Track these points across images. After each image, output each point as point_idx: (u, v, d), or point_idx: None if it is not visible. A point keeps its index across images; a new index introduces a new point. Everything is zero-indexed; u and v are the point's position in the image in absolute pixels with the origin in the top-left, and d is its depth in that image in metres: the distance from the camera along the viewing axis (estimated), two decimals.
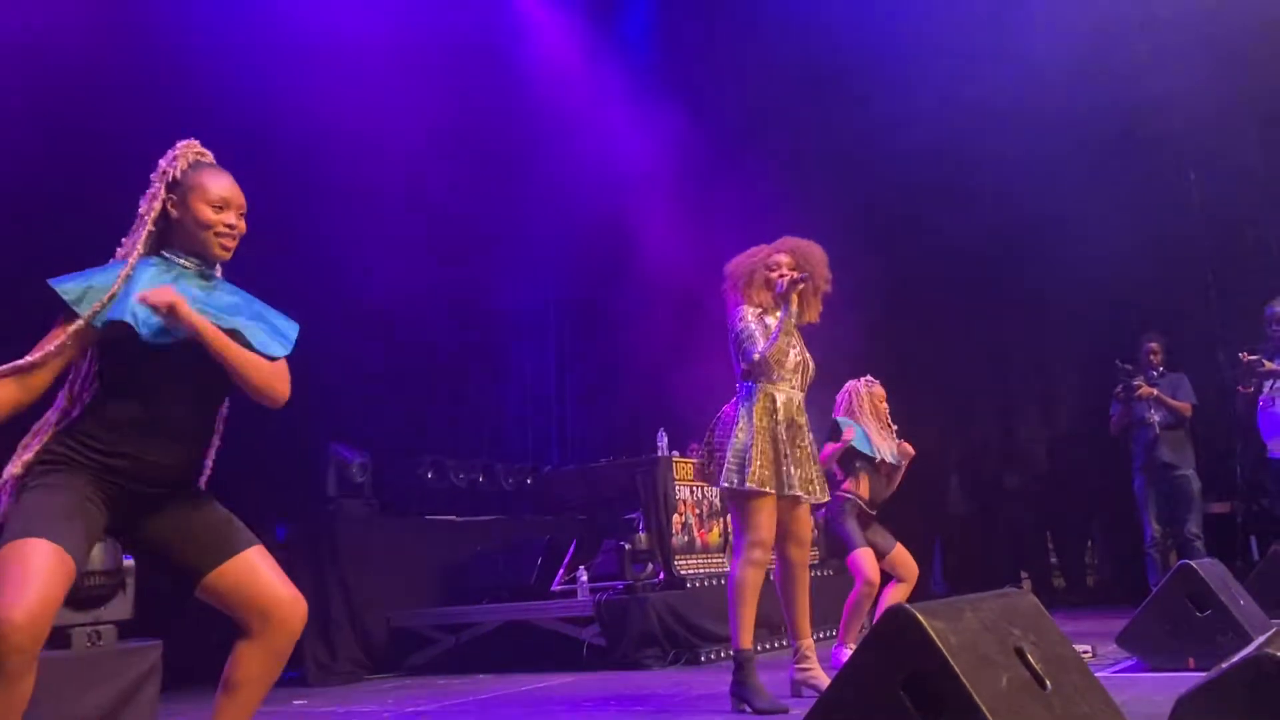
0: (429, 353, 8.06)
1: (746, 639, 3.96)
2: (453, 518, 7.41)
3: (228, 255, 2.53)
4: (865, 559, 5.07)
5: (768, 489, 3.96)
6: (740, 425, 4.04)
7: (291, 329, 2.61)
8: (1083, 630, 5.56)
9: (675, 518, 6.70)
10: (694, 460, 6.91)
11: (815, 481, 4.14)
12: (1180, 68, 7.02)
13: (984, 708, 1.84)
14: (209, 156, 2.58)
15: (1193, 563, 4.31)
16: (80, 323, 2.35)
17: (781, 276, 4.11)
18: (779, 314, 4.10)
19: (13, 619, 2.08)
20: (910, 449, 5.47)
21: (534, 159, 8.20)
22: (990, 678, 1.93)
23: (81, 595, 3.51)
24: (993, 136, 7.61)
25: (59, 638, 3.35)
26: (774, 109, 8.64)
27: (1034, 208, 7.95)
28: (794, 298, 4.09)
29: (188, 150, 2.55)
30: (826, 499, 4.29)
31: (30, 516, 2.25)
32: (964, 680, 1.86)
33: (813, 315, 4.29)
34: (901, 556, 5.29)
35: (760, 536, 3.97)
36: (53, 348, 2.36)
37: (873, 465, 5.34)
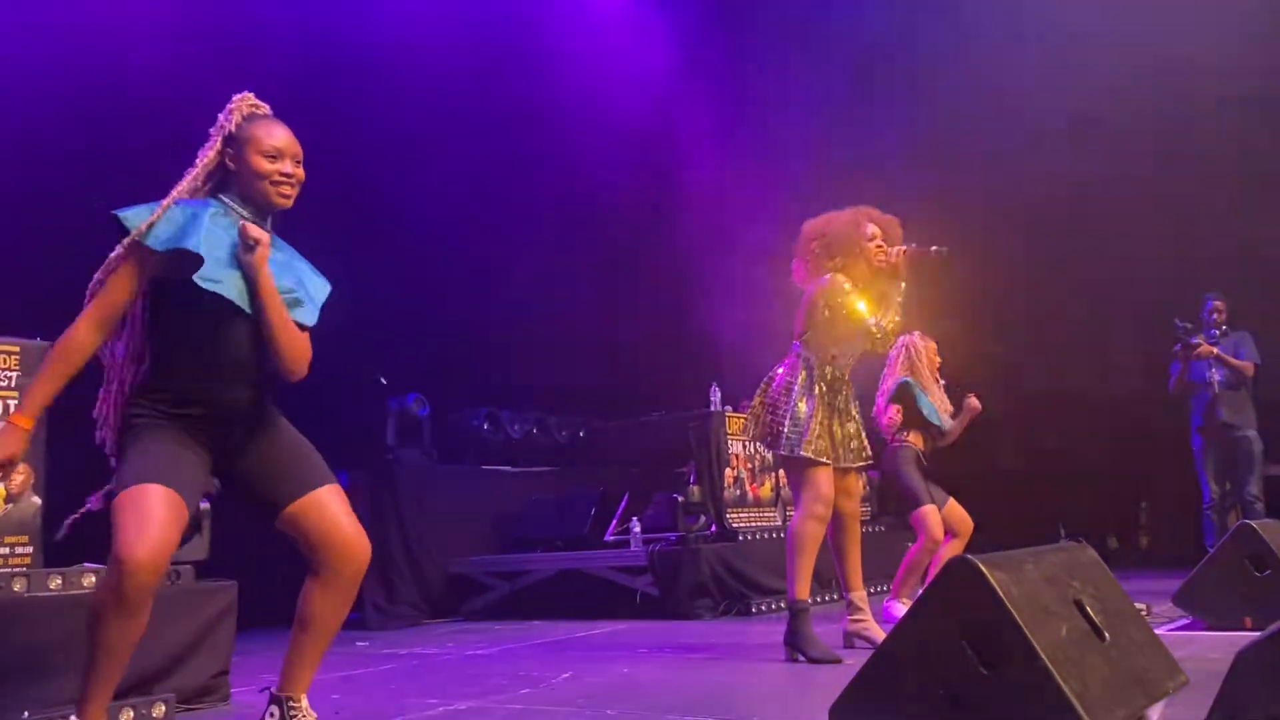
0: (486, 306, 8.16)
1: (803, 590, 4.02)
2: (508, 468, 7.55)
3: (288, 203, 2.56)
4: (930, 516, 5.07)
5: (824, 459, 4.05)
6: (799, 394, 4.10)
7: (322, 292, 2.67)
8: (1138, 590, 5.52)
9: (728, 472, 6.76)
10: (747, 416, 6.94)
11: (858, 441, 4.25)
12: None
13: (1044, 657, 1.88)
14: (265, 109, 2.61)
15: (1252, 523, 4.28)
16: (147, 250, 2.39)
17: (881, 249, 4.10)
18: (895, 286, 4.10)
19: (136, 556, 2.21)
20: (976, 404, 5.44)
21: (585, 111, 8.21)
22: (1050, 628, 1.97)
23: None
24: (1045, 91, 7.48)
25: None
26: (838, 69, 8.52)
27: (1097, 161, 7.81)
28: (868, 275, 4.10)
29: (242, 104, 2.58)
30: (868, 459, 4.33)
31: (138, 467, 2.36)
32: (1025, 630, 1.90)
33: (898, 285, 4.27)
34: (956, 511, 5.29)
35: (820, 493, 4.04)
36: (124, 278, 2.40)
37: (921, 416, 5.34)
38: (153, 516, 2.27)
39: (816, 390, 4.10)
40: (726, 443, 6.80)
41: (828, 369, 4.15)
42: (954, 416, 5.43)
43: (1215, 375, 6.75)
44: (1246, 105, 7.40)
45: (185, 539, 3.71)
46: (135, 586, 2.22)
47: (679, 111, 8.83)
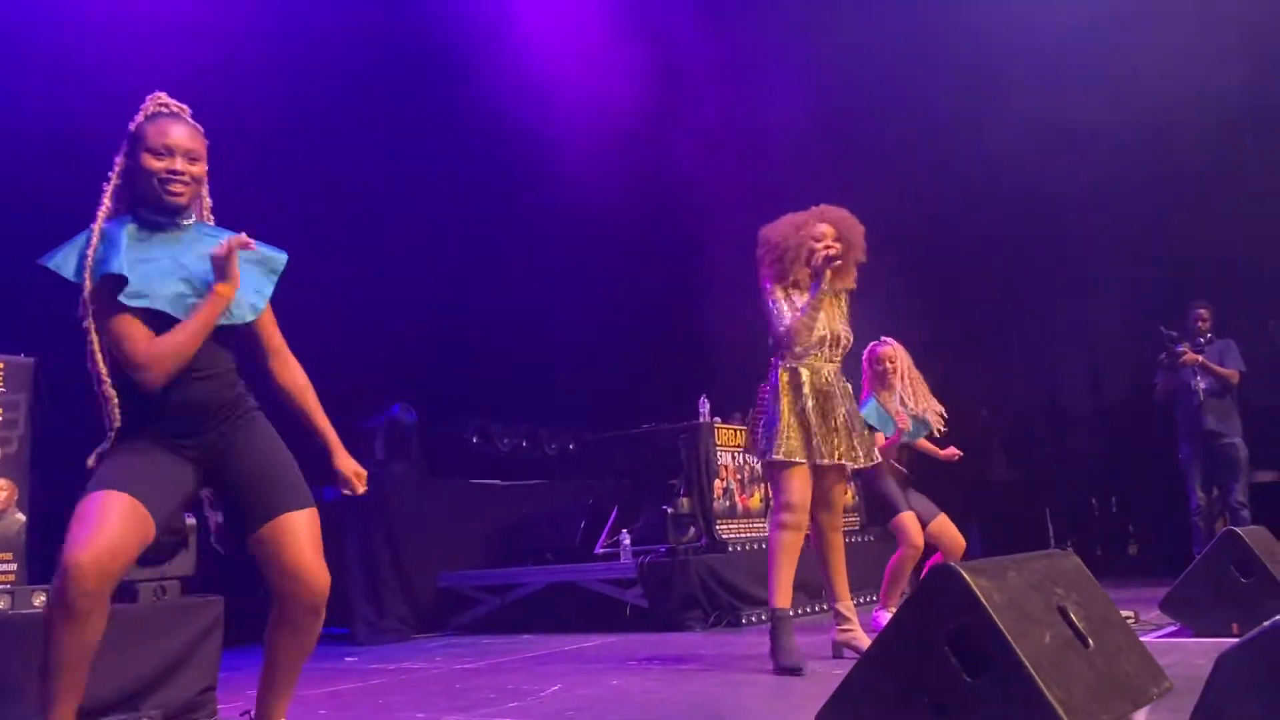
0: (473, 319, 8.16)
1: (779, 598, 4.03)
2: (497, 482, 7.54)
3: (180, 200, 2.48)
4: (909, 523, 5.05)
5: (796, 458, 4.03)
6: (769, 401, 4.14)
7: (264, 282, 2.58)
8: (1125, 597, 5.56)
9: (717, 483, 6.76)
10: (736, 427, 6.96)
11: (855, 449, 4.15)
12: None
13: (1028, 663, 1.89)
14: (173, 106, 2.56)
15: (1238, 529, 4.30)
16: (88, 287, 2.37)
17: (828, 249, 4.07)
18: (810, 289, 4.09)
19: (78, 560, 2.17)
20: (954, 455, 5.43)
21: (565, 122, 8.23)
22: (1034, 635, 1.98)
23: (147, 552, 3.63)
24: (1034, 98, 7.52)
25: (127, 592, 3.48)
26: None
27: (1081, 171, 7.85)
28: (827, 274, 4.06)
29: (151, 102, 2.55)
30: (870, 463, 4.27)
31: (102, 476, 2.34)
32: (1008, 636, 1.91)
33: (848, 283, 4.27)
34: (947, 529, 5.22)
35: (788, 499, 4.04)
36: (100, 322, 2.39)
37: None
38: (104, 521, 2.22)
39: (784, 398, 4.09)
40: (715, 454, 6.80)
41: (804, 371, 4.12)
42: (944, 419, 5.37)
43: (1201, 383, 6.78)
44: (1229, 117, 7.46)
45: (171, 553, 3.71)
46: (79, 592, 2.16)
47: (670, 121, 8.84)
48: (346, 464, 2.68)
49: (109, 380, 2.44)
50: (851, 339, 4.31)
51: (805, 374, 4.12)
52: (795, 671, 3.85)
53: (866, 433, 4.29)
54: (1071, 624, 2.10)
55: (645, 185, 8.62)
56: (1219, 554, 4.22)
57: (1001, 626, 1.92)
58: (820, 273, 4.04)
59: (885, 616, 5.05)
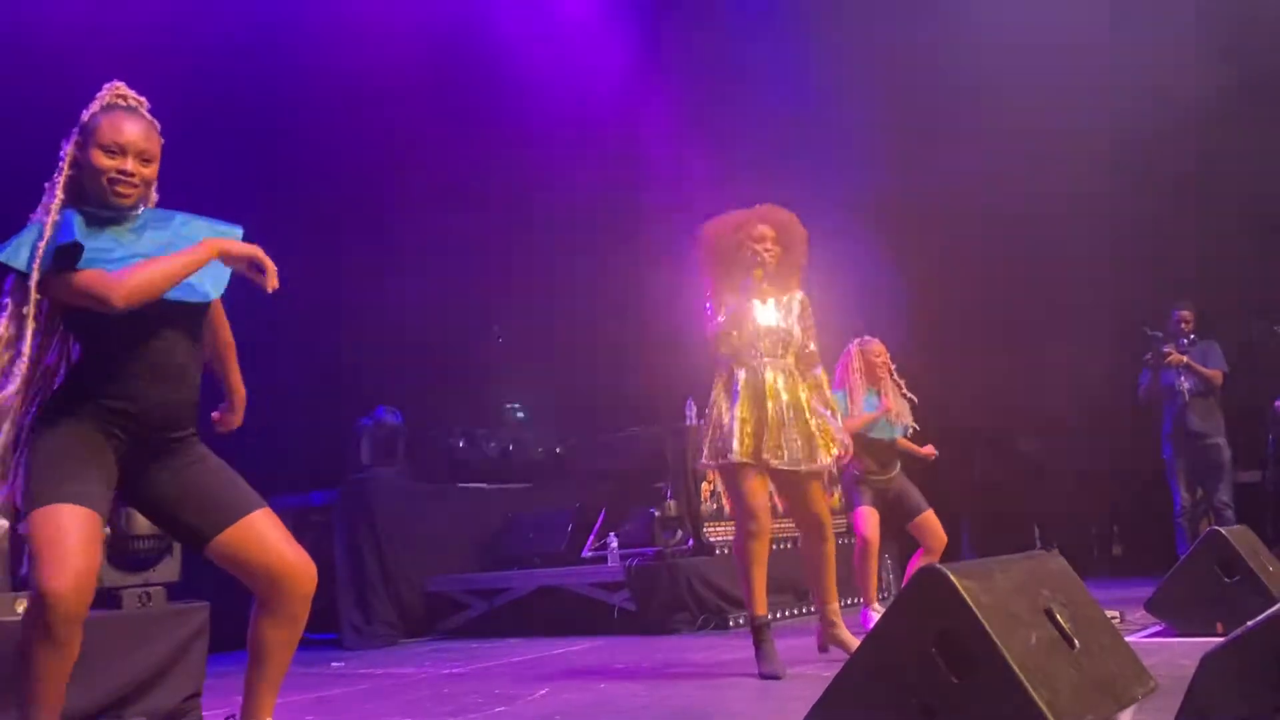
0: (461, 323, 8.15)
1: (756, 606, 3.98)
2: (484, 485, 7.52)
3: (127, 202, 2.37)
4: (862, 517, 5.24)
5: (746, 459, 3.92)
6: (719, 402, 4.07)
7: (235, 234, 2.51)
8: (1110, 598, 5.57)
9: (704, 486, 6.75)
10: None
11: (799, 448, 3.95)
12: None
13: (1014, 665, 1.90)
14: (131, 99, 2.44)
15: (1222, 529, 4.33)
16: (33, 280, 2.25)
17: (768, 250, 4.04)
18: (741, 291, 4.00)
19: (57, 590, 2.12)
20: (930, 454, 5.50)
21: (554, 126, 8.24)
22: (1020, 636, 1.98)
23: (131, 558, 3.62)
24: (1014, 106, 7.56)
25: (111, 599, 3.46)
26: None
27: (1064, 176, 7.89)
28: (758, 276, 4.00)
29: (107, 93, 2.42)
30: (817, 465, 4.01)
31: (48, 477, 2.25)
32: (995, 638, 1.92)
33: (790, 288, 4.16)
34: (931, 524, 5.31)
35: (744, 505, 3.96)
36: (22, 314, 2.27)
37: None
38: (73, 544, 2.16)
39: (720, 402, 4.03)
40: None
41: (741, 373, 4.01)
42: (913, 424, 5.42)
43: (1185, 383, 6.81)
44: (1210, 123, 7.50)
45: (156, 560, 3.70)
46: (62, 620, 2.13)
47: (648, 121, 8.84)
48: (236, 414, 2.71)
49: (34, 359, 2.32)
50: (803, 338, 4.13)
51: (743, 375, 4.02)
52: (773, 676, 3.85)
53: (823, 433, 4.05)
54: (1058, 625, 2.10)
55: (634, 189, 8.63)
56: (1203, 554, 4.24)
57: (988, 628, 1.93)
58: (751, 290, 3.98)
59: (872, 613, 5.11)
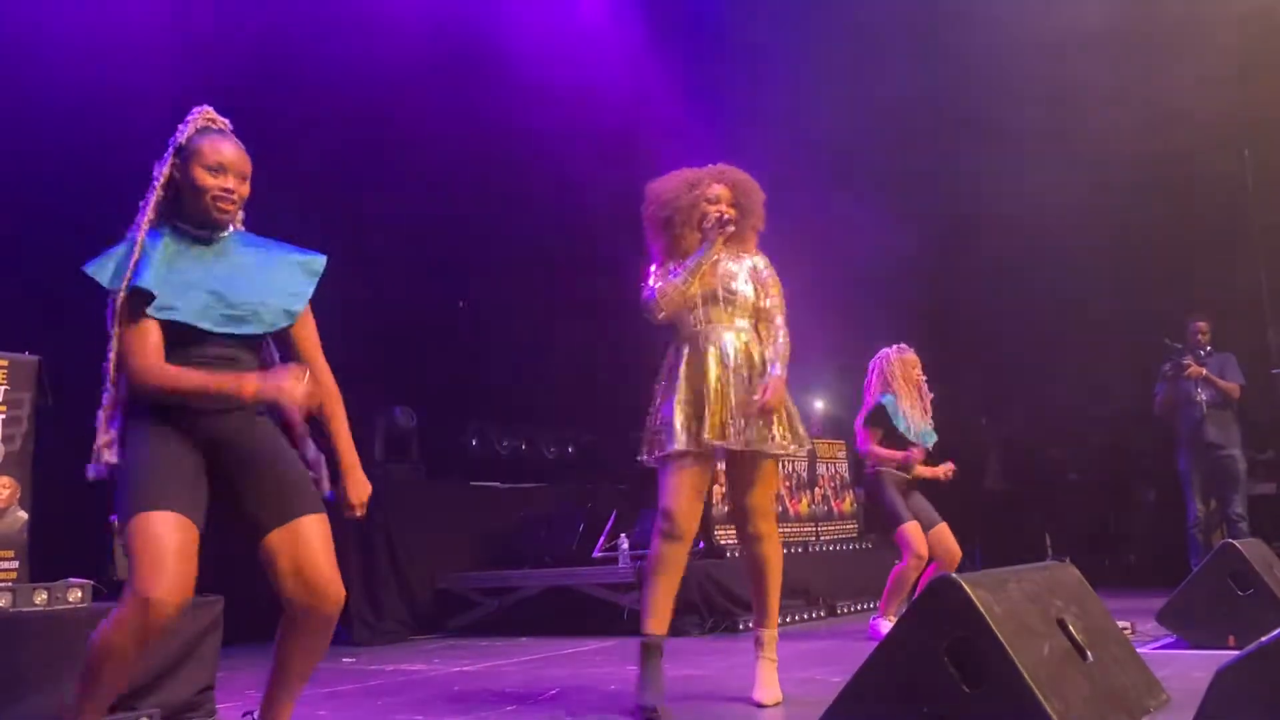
0: (476, 322, 8.18)
1: (649, 621, 3.38)
2: (496, 484, 7.54)
3: (227, 219, 2.51)
4: (913, 533, 5.07)
5: (678, 445, 3.35)
6: (661, 391, 3.54)
7: (317, 264, 2.60)
8: (1122, 608, 5.54)
9: (716, 488, 6.75)
10: None
11: (750, 424, 3.38)
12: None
13: (1026, 675, 1.90)
14: (220, 122, 2.59)
15: (1236, 542, 4.31)
16: (120, 296, 2.37)
17: (720, 213, 3.52)
18: (696, 253, 3.51)
19: (159, 598, 2.17)
20: (949, 472, 5.40)
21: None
22: (1032, 646, 1.99)
23: None
24: (1026, 105, 7.55)
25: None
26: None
27: (1079, 183, 7.88)
28: (718, 240, 3.51)
29: (199, 117, 2.56)
30: (768, 447, 3.43)
31: (141, 483, 2.31)
32: (1007, 648, 1.92)
33: (748, 249, 3.65)
34: (945, 538, 5.22)
35: (662, 503, 3.37)
36: (120, 330, 2.38)
37: (899, 435, 5.31)
38: (170, 550, 2.22)
39: (664, 384, 3.51)
40: None
41: (685, 349, 3.50)
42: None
43: (1203, 395, 6.79)
44: (1225, 141, 7.48)
45: None
46: (157, 625, 2.19)
47: (656, 122, 8.84)
48: (356, 488, 2.63)
49: (117, 384, 2.43)
50: (756, 297, 3.58)
51: (686, 350, 3.50)
52: (650, 712, 3.20)
53: (785, 412, 3.48)
54: (1070, 636, 2.11)
55: (638, 190, 8.63)
56: (1217, 566, 4.23)
57: (1001, 638, 1.93)
58: (710, 237, 3.49)
59: (885, 625, 5.06)
